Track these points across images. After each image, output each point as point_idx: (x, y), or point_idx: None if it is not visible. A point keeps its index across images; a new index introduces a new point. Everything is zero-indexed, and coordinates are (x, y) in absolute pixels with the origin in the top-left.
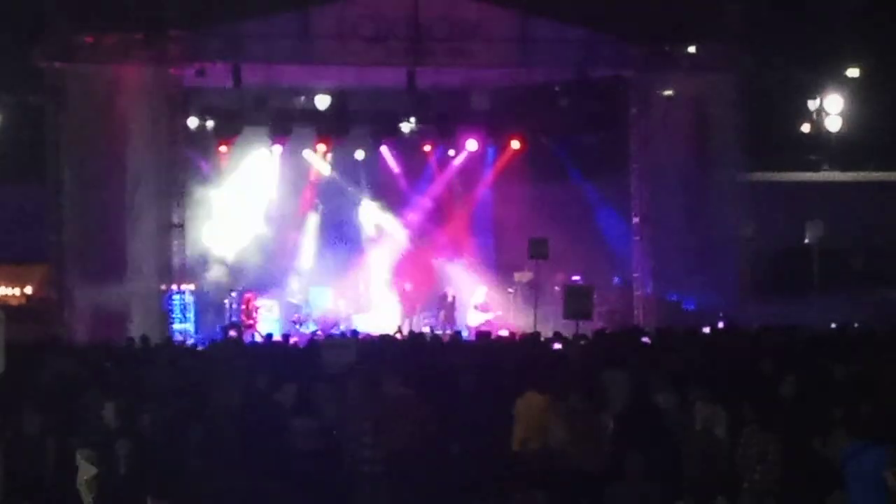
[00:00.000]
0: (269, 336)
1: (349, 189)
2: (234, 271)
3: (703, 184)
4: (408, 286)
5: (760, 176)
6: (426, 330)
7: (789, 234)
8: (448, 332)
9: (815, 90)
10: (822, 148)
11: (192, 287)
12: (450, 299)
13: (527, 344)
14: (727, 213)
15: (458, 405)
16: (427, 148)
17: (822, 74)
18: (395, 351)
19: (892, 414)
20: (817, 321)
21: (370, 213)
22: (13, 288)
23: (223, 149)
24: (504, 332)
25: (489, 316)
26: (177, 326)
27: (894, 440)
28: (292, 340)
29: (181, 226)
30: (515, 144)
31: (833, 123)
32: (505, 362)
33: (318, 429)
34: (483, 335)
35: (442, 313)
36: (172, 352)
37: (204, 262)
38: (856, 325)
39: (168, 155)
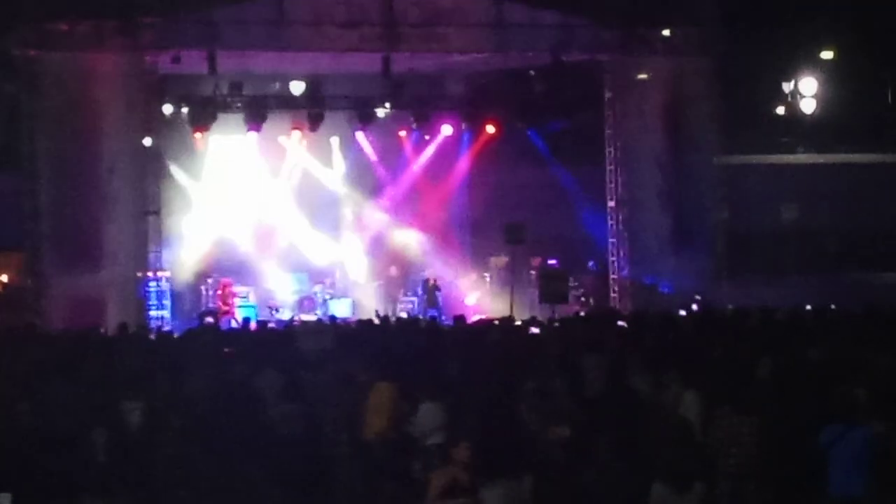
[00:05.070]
0: (246, 321)
1: (324, 175)
2: (210, 258)
3: (678, 167)
4: (393, 270)
5: (735, 158)
6: (404, 315)
7: (764, 217)
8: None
9: (790, 72)
10: (796, 130)
11: (167, 274)
12: (431, 283)
13: (502, 329)
14: (702, 195)
15: (436, 392)
16: (402, 133)
17: (796, 56)
18: (372, 337)
19: (869, 395)
20: (793, 303)
21: (346, 199)
22: None
23: (198, 135)
24: (478, 317)
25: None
26: (153, 313)
27: (870, 420)
28: (269, 327)
29: (157, 213)
30: (490, 129)
31: (808, 105)
32: (481, 348)
33: (296, 414)
34: (459, 319)
35: (425, 297)
36: (149, 339)
37: (180, 248)
38: (832, 306)
39: (143, 142)
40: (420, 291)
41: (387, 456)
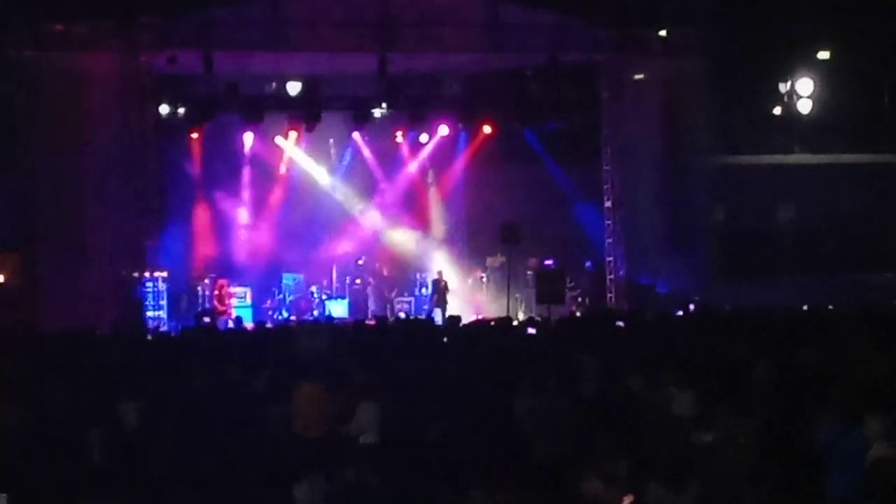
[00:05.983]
0: (238, 321)
1: (321, 175)
2: (207, 258)
3: (674, 167)
4: (385, 271)
5: (732, 158)
6: (402, 315)
7: (761, 217)
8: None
9: (786, 73)
10: (793, 130)
11: (164, 274)
12: (442, 283)
13: (499, 328)
14: (699, 196)
15: (433, 391)
16: (399, 133)
17: (792, 57)
18: (368, 337)
19: (867, 394)
20: (789, 303)
21: (342, 199)
22: None
23: (195, 136)
24: (476, 317)
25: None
26: (150, 314)
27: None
28: (265, 327)
29: (153, 213)
30: (487, 129)
31: (804, 106)
32: (478, 347)
33: (284, 415)
34: (454, 319)
35: (434, 297)
36: (146, 339)
37: (176, 249)
38: (829, 307)
39: (140, 143)
40: (430, 291)
41: (310, 456)
